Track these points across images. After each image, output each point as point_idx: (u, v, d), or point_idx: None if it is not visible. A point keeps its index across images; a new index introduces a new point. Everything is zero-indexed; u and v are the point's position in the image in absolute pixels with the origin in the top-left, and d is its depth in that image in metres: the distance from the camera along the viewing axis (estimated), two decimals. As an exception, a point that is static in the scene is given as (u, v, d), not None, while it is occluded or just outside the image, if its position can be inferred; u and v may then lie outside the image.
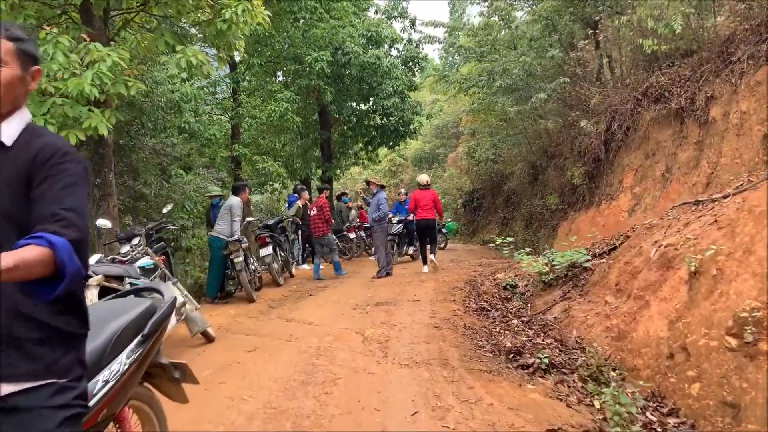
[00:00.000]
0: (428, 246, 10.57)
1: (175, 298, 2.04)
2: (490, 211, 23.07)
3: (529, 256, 7.30)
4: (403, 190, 13.52)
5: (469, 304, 7.33)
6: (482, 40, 15.48)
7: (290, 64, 13.61)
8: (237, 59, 13.36)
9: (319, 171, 16.93)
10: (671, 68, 10.46)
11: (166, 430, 2.33)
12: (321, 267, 11.60)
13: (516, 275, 8.63)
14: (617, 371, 4.45)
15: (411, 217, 12.50)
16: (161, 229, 6.60)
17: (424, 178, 10.82)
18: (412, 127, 17.01)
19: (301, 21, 13.80)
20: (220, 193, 8.55)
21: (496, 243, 7.78)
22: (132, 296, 2.35)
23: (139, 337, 1.95)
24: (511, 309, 7.01)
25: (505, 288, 8.21)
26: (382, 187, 10.56)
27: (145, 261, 4.96)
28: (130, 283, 4.49)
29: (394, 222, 12.64)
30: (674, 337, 4.06)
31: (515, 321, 6.43)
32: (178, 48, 6.00)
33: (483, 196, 23.82)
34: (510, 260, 11.50)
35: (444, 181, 28.29)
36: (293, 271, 11.20)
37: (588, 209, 12.47)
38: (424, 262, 10.51)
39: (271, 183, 18.74)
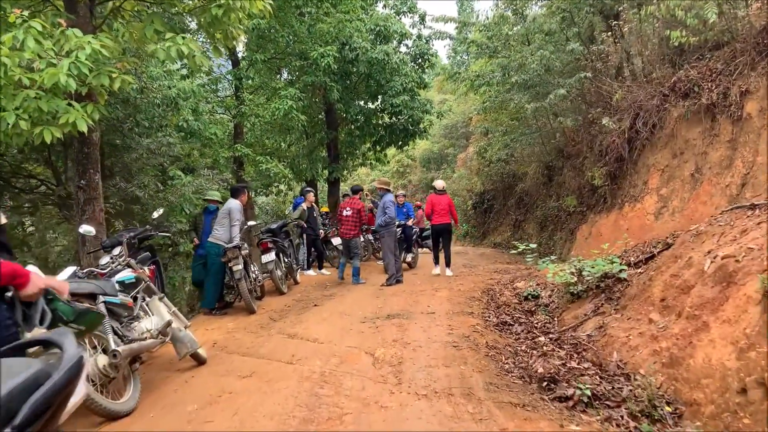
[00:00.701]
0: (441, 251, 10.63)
1: (81, 357, 1.33)
2: (501, 212, 22.40)
3: (555, 265, 6.65)
4: (401, 192, 12.77)
5: (488, 317, 6.68)
6: (495, 35, 14.81)
7: (295, 60, 13.00)
8: (240, 55, 12.78)
9: (326, 172, 16.30)
10: (701, 61, 9.79)
11: None
12: (326, 273, 11.06)
13: (537, 284, 7.97)
14: (671, 405, 3.79)
15: (411, 221, 11.94)
16: (150, 237, 6.00)
17: (440, 183, 10.81)
18: (421, 126, 16.36)
19: (307, 15, 13.19)
20: (218, 199, 7.99)
21: (519, 249, 7.13)
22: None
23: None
24: (536, 323, 6.35)
25: (526, 298, 7.56)
26: (388, 190, 9.92)
27: (125, 274, 4.35)
28: (105, 301, 3.87)
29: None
30: (747, 369, 3.40)
31: (542, 338, 5.78)
32: (168, 36, 5.38)
33: (494, 198, 23.15)
34: (528, 266, 10.83)
35: (453, 182, 27.61)
36: (298, 277, 10.58)
37: (610, 212, 11.79)
38: (436, 262, 10.74)
39: (276, 184, 18.20)
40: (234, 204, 7.65)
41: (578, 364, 4.73)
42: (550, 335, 5.89)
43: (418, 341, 5.50)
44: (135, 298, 4.40)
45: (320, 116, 16.85)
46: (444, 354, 5.05)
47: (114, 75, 5.35)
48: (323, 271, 11.76)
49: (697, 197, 9.23)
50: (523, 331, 6.19)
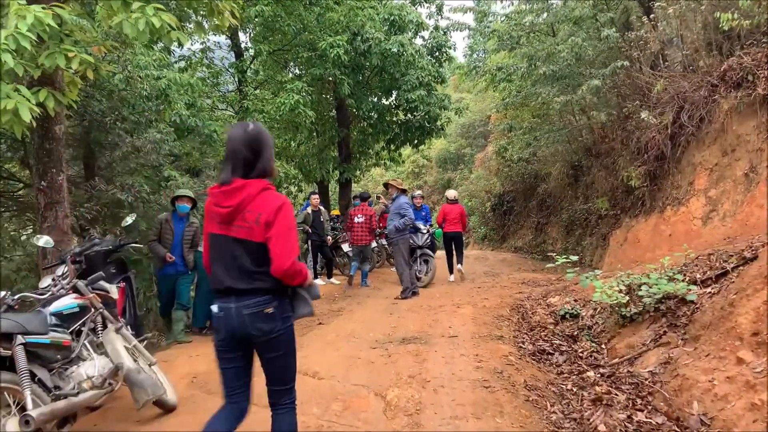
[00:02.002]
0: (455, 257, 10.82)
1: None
2: (522, 215, 21.28)
3: (601, 282, 5.57)
4: (419, 193, 11.78)
5: (522, 342, 5.64)
6: (518, 24, 13.73)
7: (303, 51, 12.02)
8: (243, 45, 11.85)
9: (337, 173, 15.33)
10: (756, 47, 8.67)
11: None
12: (336, 282, 10.19)
13: (575, 300, 6.89)
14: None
15: (426, 228, 10.99)
16: (119, 249, 5.05)
17: (452, 193, 11.27)
18: (438, 123, 15.31)
19: (316, 3, 12.20)
20: (189, 194, 6.59)
21: (557, 262, 6.08)
22: None
23: None
24: (581, 352, 5.30)
25: (563, 317, 6.49)
26: (404, 191, 8.90)
27: (65, 303, 3.38)
28: (27, 342, 2.91)
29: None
30: None
31: (591, 373, 4.73)
32: (135, 5, 4.42)
33: (514, 199, 22.02)
34: (560, 276, 9.74)
35: (471, 183, 26.55)
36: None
37: (649, 215, 10.67)
38: (450, 272, 10.84)
39: (286, 186, 17.26)
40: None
41: (648, 416, 3.68)
42: (601, 369, 4.84)
43: (439, 378, 4.47)
44: (79, 333, 3.44)
45: (331, 113, 15.90)
46: (473, 398, 4.02)
47: (71, 54, 4.40)
48: (333, 280, 10.79)
49: (752, 200, 8.13)
50: (566, 361, 5.15)
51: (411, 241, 9.40)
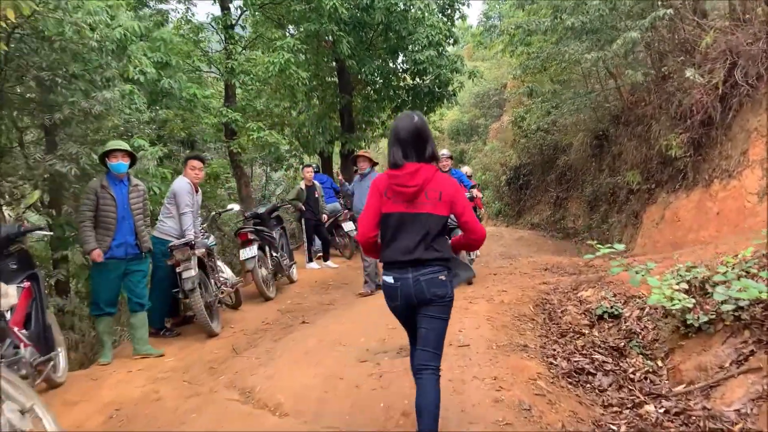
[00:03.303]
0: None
1: None
2: (539, 189, 19.88)
3: (658, 280, 4.28)
4: (446, 153, 9.02)
5: (552, 355, 4.39)
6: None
7: (295, 3, 10.60)
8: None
9: (338, 144, 14.01)
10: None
11: None
12: (333, 265, 9.01)
13: (614, 294, 5.61)
14: None
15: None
16: (19, 238, 3.85)
17: (466, 169, 10.81)
18: (450, 88, 13.87)
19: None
20: (124, 147, 5.05)
21: (597, 253, 4.76)
22: None
23: None
24: (632, 372, 4.05)
25: (600, 318, 5.23)
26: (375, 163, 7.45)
27: None
28: None
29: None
30: None
31: (651, 408, 3.50)
32: None
33: (531, 173, 20.60)
34: (588, 261, 8.44)
35: (485, 155, 25.09)
36: (294, 274, 8.42)
37: (691, 190, 9.31)
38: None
39: (287, 157, 16.01)
40: (179, 184, 5.48)
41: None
42: (663, 401, 3.59)
43: (444, 419, 3.24)
44: None
45: (332, 79, 14.51)
46: (491, 458, 2.79)
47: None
48: (329, 263, 9.58)
49: (822, 172, 6.77)
50: (612, 386, 3.90)
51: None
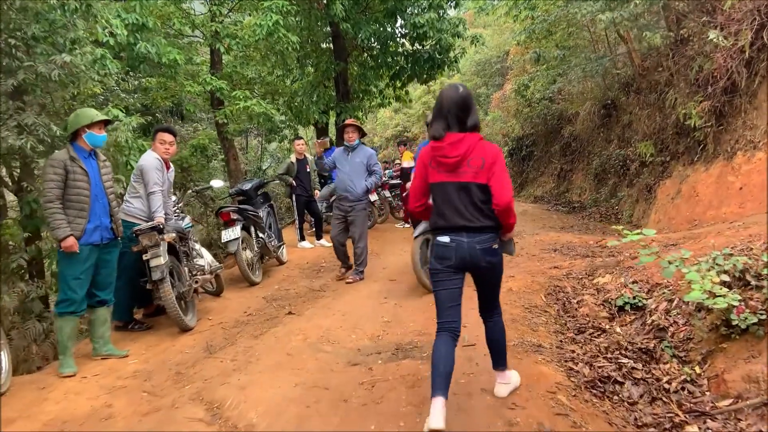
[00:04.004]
0: None
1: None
2: (542, 161, 19.23)
3: (696, 272, 3.67)
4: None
5: (572, 360, 3.81)
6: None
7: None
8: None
9: (334, 114, 13.28)
10: None
11: None
12: (327, 244, 8.46)
13: (634, 281, 5.01)
14: None
15: None
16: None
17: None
18: (451, 54, 13.08)
19: None
20: (104, 117, 4.44)
21: (624, 239, 4.12)
22: None
23: None
24: (666, 382, 3.47)
25: (621, 309, 4.64)
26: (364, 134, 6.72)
27: None
28: None
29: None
30: None
31: (694, 430, 2.93)
32: None
33: (534, 143, 19.93)
34: (600, 239, 7.83)
35: (487, 125, 24.34)
36: (284, 255, 7.84)
37: (711, 163, 8.66)
38: None
39: (280, 130, 15.31)
40: (147, 160, 4.83)
41: None
42: (708, 420, 3.02)
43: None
44: None
45: (327, 45, 13.70)
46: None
47: None
48: (323, 242, 8.98)
49: None
50: (644, 398, 3.33)
51: None
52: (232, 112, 9.27)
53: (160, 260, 4.53)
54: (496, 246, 2.92)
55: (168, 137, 5.05)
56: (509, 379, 3.19)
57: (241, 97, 8.95)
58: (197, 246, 5.79)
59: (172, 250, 4.83)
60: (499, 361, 3.18)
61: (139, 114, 8.21)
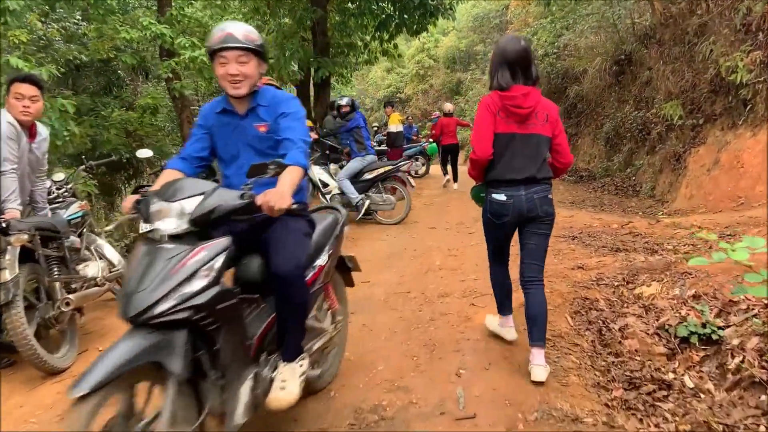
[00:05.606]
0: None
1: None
2: (545, 124, 17.56)
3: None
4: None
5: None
6: None
7: None
8: None
9: (310, 70, 11.59)
10: None
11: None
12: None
13: (695, 296, 3.54)
14: None
15: None
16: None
17: (448, 106, 12.04)
18: (446, 0, 11.33)
19: None
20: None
21: (698, 233, 2.65)
22: None
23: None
24: None
25: (684, 341, 3.19)
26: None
27: None
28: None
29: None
30: None
31: None
32: None
33: (536, 105, 18.20)
34: (627, 222, 6.30)
35: (484, 86, 22.54)
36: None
37: (759, 127, 7.11)
38: (445, 173, 11.90)
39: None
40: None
41: None
42: None
43: None
44: None
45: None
46: None
47: None
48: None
49: None
50: None
51: None
52: (177, 64, 7.61)
53: (5, 275, 3.02)
54: (551, 196, 2.97)
55: (27, 89, 3.44)
56: (544, 361, 2.93)
57: (187, 45, 7.28)
58: (98, 243, 4.26)
59: (30, 257, 3.30)
60: (539, 336, 2.97)
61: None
